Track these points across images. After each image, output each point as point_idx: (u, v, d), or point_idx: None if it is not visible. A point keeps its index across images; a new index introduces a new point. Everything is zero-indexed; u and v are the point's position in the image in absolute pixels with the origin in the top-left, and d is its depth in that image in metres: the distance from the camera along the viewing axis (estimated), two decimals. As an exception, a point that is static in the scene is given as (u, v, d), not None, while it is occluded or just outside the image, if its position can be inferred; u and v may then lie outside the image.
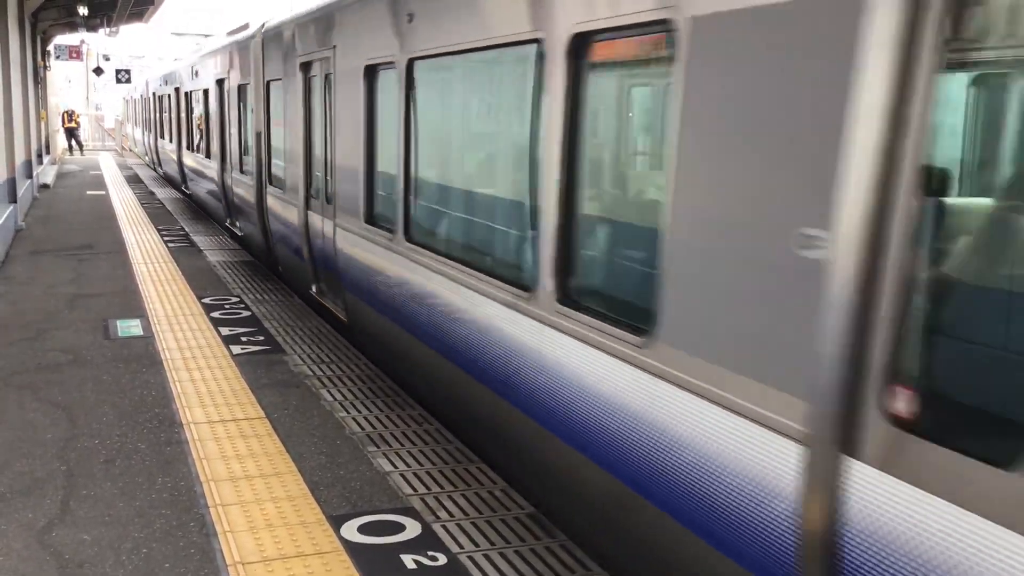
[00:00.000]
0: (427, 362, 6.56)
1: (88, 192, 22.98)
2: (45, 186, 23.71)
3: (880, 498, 2.68)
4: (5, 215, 13.87)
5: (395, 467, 5.72)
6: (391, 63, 6.91)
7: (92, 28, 28.48)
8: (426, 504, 5.20)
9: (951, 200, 2.90)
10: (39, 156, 24.10)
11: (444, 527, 4.92)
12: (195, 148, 18.42)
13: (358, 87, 7.68)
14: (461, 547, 4.71)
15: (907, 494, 2.59)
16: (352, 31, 7.95)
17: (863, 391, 2.75)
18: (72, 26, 27.67)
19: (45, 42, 29.07)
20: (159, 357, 8.03)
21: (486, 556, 4.62)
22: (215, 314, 9.70)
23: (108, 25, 29.10)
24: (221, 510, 5.06)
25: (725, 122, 3.33)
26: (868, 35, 2.69)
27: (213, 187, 16.22)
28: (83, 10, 23.43)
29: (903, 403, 2.68)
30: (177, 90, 21.14)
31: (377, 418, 6.61)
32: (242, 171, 13.38)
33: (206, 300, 10.38)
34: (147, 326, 9.12)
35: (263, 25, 11.76)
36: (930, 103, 2.58)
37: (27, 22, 21.01)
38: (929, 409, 2.65)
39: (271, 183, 11.47)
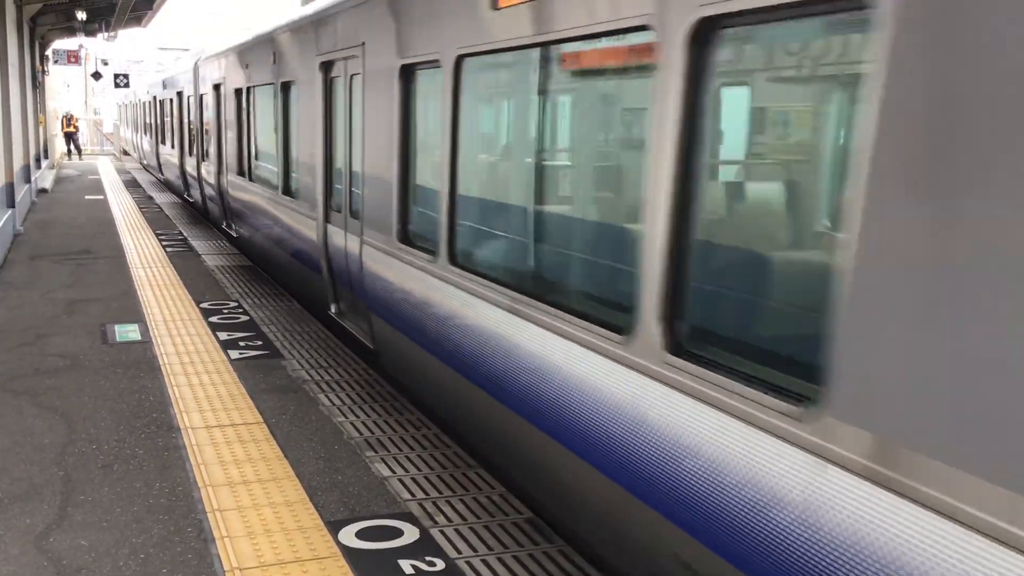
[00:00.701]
0: (263, 247, 12.49)
1: (86, 197, 22.98)
2: (43, 191, 23.71)
3: (330, 231, 8.77)
4: (3, 220, 13.87)
5: (393, 472, 5.72)
6: (242, 88, 13.22)
7: (91, 33, 28.46)
8: (424, 509, 5.20)
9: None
10: (37, 160, 24.09)
11: (442, 532, 4.92)
12: (166, 142, 24.09)
13: (233, 101, 13.77)
14: (459, 552, 4.71)
15: (337, 230, 8.55)
16: (232, 68, 13.81)
17: (326, 203, 8.88)
18: (71, 31, 27.65)
19: (44, 46, 29.06)
20: (157, 362, 8.03)
21: (484, 561, 4.62)
22: (213, 319, 9.69)
23: (106, 30, 29.07)
24: (219, 515, 5.06)
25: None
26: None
27: (177, 170, 21.63)
28: (82, 15, 23.44)
29: (333, 204, 8.75)
30: (155, 99, 26.78)
31: (375, 423, 6.61)
32: (191, 155, 18.99)
33: (204, 305, 10.38)
34: (145, 331, 9.12)
35: (199, 56, 17.47)
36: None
37: (26, 26, 21.01)
38: (336, 204, 8.71)
39: (204, 160, 17.21)
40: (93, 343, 8.67)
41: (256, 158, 13.18)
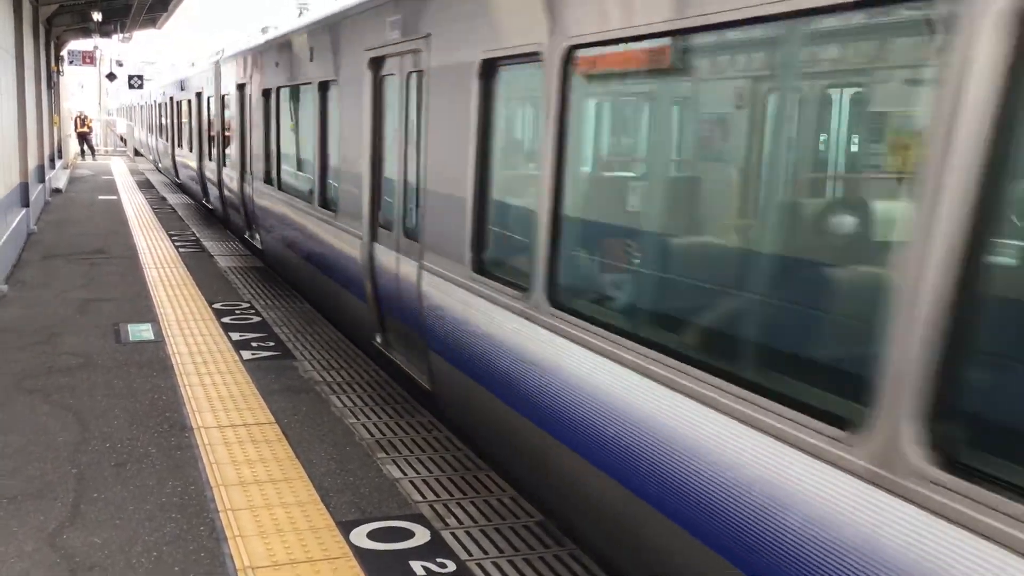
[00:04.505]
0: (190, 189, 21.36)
1: (100, 197, 23.09)
2: (57, 190, 23.83)
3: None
4: (18, 219, 13.95)
5: (404, 474, 5.73)
6: (173, 98, 23.26)
7: (106, 34, 28.65)
8: (435, 511, 5.21)
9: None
10: (51, 161, 24.22)
11: (453, 534, 4.93)
12: (160, 135, 30.13)
13: (168, 108, 25.38)
14: (470, 554, 4.72)
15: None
16: (171, 87, 23.92)
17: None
18: (86, 32, 27.80)
19: (59, 47, 29.22)
20: (170, 362, 8.06)
21: (495, 563, 4.63)
22: (226, 319, 9.73)
23: (121, 31, 29.25)
24: (231, 514, 5.08)
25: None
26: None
27: (166, 156, 28.01)
28: (97, 16, 23.57)
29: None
30: (150, 103, 34.63)
31: (387, 424, 6.62)
32: (175, 144, 25.34)
33: (217, 305, 10.42)
34: (158, 331, 9.16)
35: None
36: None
37: (41, 27, 21.13)
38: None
39: (179, 147, 23.59)
40: (106, 342, 8.71)
41: (169, 140, 22.18)
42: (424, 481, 5.63)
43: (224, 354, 8.34)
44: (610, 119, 5.22)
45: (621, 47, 4.22)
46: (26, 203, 15.28)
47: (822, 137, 3.81)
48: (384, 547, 4.76)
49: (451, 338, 5.94)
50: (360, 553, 4.68)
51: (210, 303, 10.52)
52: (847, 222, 3.65)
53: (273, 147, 11.84)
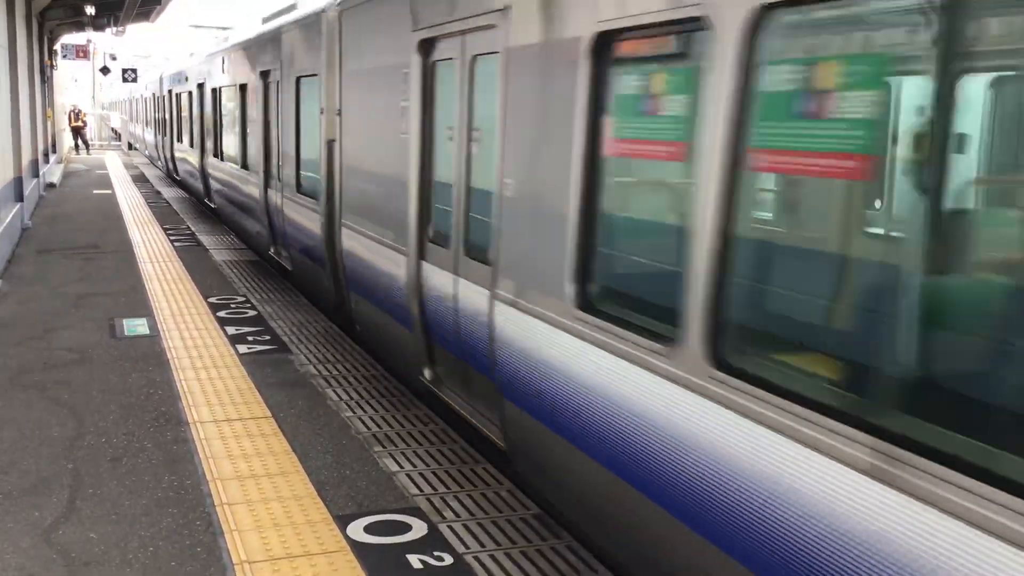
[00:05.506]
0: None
1: (94, 191, 23.03)
2: (51, 185, 23.75)
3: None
4: (12, 214, 13.90)
5: (401, 467, 5.72)
6: (142, 95, 36.70)
7: (99, 28, 28.50)
8: (432, 504, 5.20)
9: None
10: (46, 155, 24.15)
11: (450, 527, 4.92)
12: (148, 126, 34.82)
13: (141, 103, 37.21)
14: (467, 547, 4.71)
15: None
16: (143, 89, 36.20)
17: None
18: (79, 25, 27.65)
19: (52, 41, 29.09)
20: (165, 356, 8.04)
21: (492, 556, 4.62)
22: (221, 313, 9.71)
23: (115, 25, 29.08)
24: (227, 509, 5.07)
25: None
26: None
27: (141, 139, 38.13)
28: (90, 10, 23.46)
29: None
30: (134, 98, 41.56)
31: (383, 418, 6.61)
32: (144, 127, 35.51)
33: (212, 299, 10.40)
34: (153, 325, 9.14)
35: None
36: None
37: (34, 21, 21.05)
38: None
39: (147, 127, 33.88)
40: (102, 337, 8.69)
41: (153, 132, 30.78)
42: (421, 474, 5.62)
43: (220, 348, 8.32)
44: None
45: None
46: (20, 198, 15.23)
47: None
48: (381, 540, 4.75)
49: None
50: (357, 547, 4.68)
51: (205, 297, 10.50)
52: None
53: (181, 124, 21.97)
